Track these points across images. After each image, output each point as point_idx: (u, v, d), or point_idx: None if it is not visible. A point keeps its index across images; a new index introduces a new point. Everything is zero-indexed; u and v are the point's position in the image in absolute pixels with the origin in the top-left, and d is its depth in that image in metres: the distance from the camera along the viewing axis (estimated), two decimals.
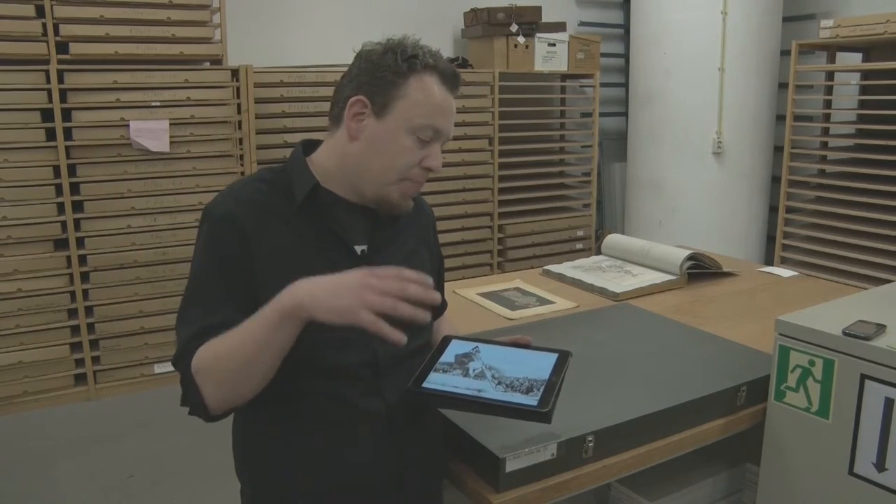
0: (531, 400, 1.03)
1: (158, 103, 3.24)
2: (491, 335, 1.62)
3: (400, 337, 0.93)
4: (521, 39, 4.20)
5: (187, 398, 1.04)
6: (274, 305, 0.97)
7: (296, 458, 1.11)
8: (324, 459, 1.10)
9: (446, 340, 1.21)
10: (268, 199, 1.12)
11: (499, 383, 1.08)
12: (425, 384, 1.08)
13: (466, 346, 1.18)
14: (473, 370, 1.11)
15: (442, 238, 4.19)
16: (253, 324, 0.99)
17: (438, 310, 1.38)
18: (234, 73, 3.40)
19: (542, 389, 1.06)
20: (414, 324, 0.97)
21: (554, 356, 1.15)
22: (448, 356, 1.15)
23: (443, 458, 1.21)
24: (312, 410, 1.09)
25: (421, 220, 1.31)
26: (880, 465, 1.18)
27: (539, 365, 1.12)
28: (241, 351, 0.99)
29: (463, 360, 1.14)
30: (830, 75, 3.84)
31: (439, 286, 1.33)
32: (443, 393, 1.06)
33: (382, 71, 1.10)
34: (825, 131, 4.02)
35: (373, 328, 0.93)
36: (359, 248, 1.15)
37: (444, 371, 1.11)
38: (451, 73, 1.13)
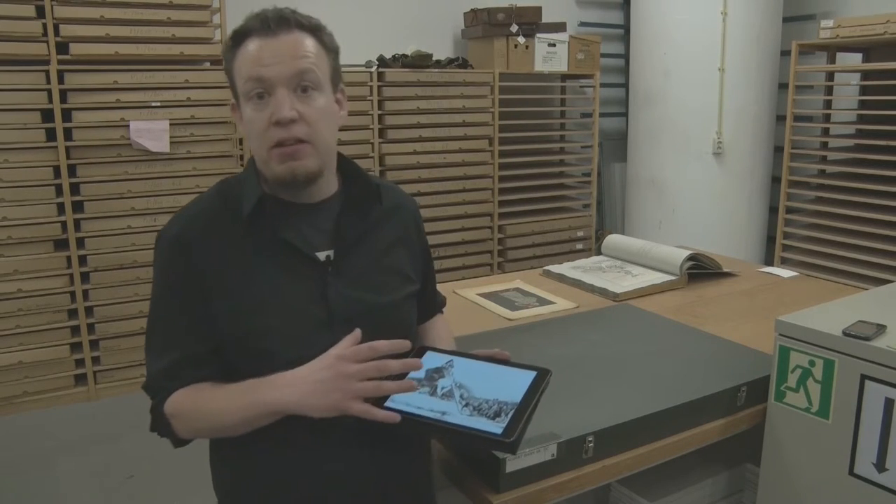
0: (496, 427, 0.95)
1: (158, 104, 3.24)
2: (489, 337, 1.63)
3: (394, 417, 0.94)
4: (521, 40, 4.20)
5: (158, 429, 1.07)
6: (261, 400, 0.97)
7: (269, 474, 1.07)
8: (297, 474, 1.06)
9: (422, 351, 1.13)
10: (220, 215, 1.07)
11: (466, 405, 0.99)
12: (388, 403, 0.99)
13: (440, 360, 1.10)
14: (442, 388, 1.03)
15: (442, 238, 4.16)
16: (237, 402, 0.99)
17: (434, 307, 1.33)
18: None
19: (510, 415, 0.96)
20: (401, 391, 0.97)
21: (531, 375, 1.05)
22: (419, 371, 1.05)
23: (429, 473, 1.18)
24: (283, 424, 1.01)
25: (399, 214, 1.22)
26: (880, 466, 1.18)
27: (513, 384, 1.03)
28: (221, 419, 1.01)
29: (433, 377, 1.05)
30: (830, 76, 3.84)
31: (428, 283, 1.29)
32: (405, 414, 0.96)
33: (224, 63, 1.08)
34: (825, 131, 4.03)
35: (364, 416, 0.94)
36: (323, 254, 1.08)
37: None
38: (263, 21, 1.03)
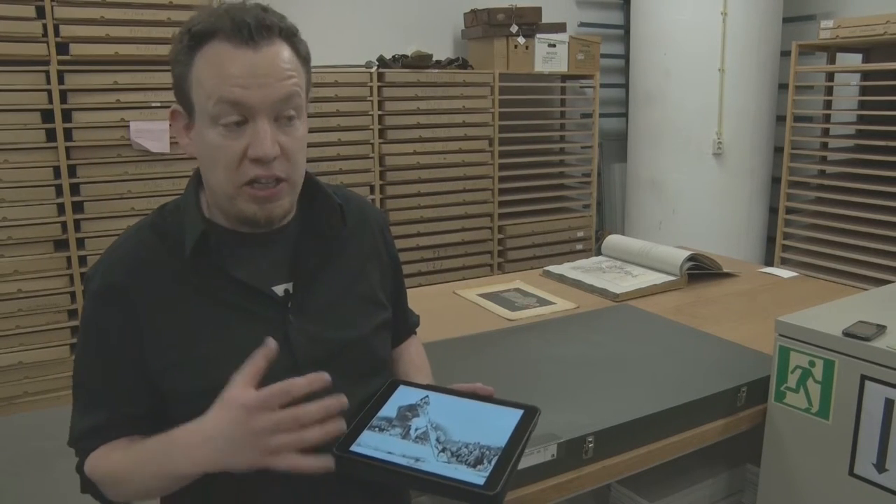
0: (477, 478, 0.83)
1: (159, 104, 3.24)
2: (489, 338, 1.62)
3: (327, 465, 0.81)
4: (521, 40, 4.20)
5: (88, 491, 0.96)
6: (174, 471, 0.84)
7: None
8: None
9: (393, 385, 1.01)
10: (154, 254, 0.92)
11: (443, 450, 0.87)
12: (354, 447, 0.88)
13: (414, 396, 0.98)
14: (416, 430, 0.91)
15: (442, 238, 4.16)
16: (148, 470, 0.86)
17: (407, 329, 1.20)
18: None
19: (493, 461, 0.85)
20: (329, 442, 0.82)
21: (518, 413, 0.94)
22: (389, 409, 0.95)
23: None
24: (250, 486, 0.90)
25: (365, 229, 1.07)
26: (880, 466, 1.18)
27: (497, 425, 0.91)
28: (138, 482, 0.88)
29: (406, 415, 0.94)
30: (830, 76, 3.84)
31: (399, 302, 1.16)
32: (373, 461, 0.86)
33: (174, 65, 0.88)
34: (825, 132, 4.03)
35: (298, 471, 0.80)
36: (281, 289, 0.94)
37: (381, 429, 0.92)
38: (235, 25, 0.84)
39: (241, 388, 0.81)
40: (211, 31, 0.85)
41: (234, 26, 0.84)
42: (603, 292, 1.98)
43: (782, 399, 1.32)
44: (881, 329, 1.22)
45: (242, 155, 0.86)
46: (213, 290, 0.91)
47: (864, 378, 1.19)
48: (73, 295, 3.22)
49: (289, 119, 0.89)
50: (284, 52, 0.88)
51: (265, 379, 0.83)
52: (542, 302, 1.93)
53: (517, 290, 2.06)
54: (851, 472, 1.22)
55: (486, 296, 1.99)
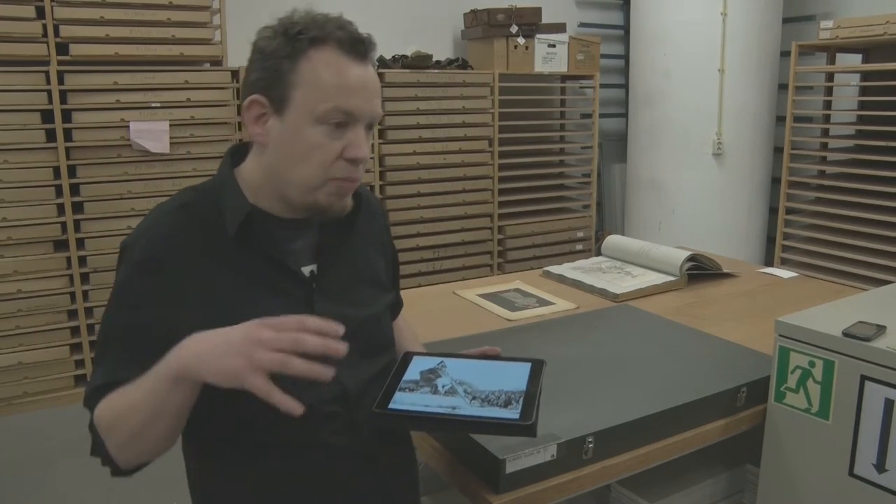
0: (512, 413, 0.94)
1: (158, 104, 3.25)
2: (489, 338, 1.62)
3: (294, 405, 0.80)
4: (520, 41, 4.20)
5: (96, 449, 0.97)
6: (164, 366, 0.86)
7: (248, 481, 1.00)
8: (279, 482, 0.99)
9: (407, 357, 1.10)
10: (192, 230, 0.98)
11: (473, 398, 0.98)
12: (392, 405, 0.97)
13: (431, 362, 1.08)
14: (443, 386, 1.01)
15: (442, 238, 4.18)
16: (147, 383, 0.88)
17: (398, 308, 1.29)
18: (234, 74, 3.40)
19: (521, 401, 0.97)
20: (313, 381, 0.82)
21: (527, 365, 1.06)
22: (412, 374, 1.05)
23: (417, 484, 1.16)
24: (280, 458, 0.98)
25: (373, 220, 1.17)
26: (880, 467, 1.18)
27: (513, 376, 1.03)
28: (138, 411, 0.89)
29: (429, 377, 1.04)
30: (830, 76, 3.84)
31: (395, 281, 1.25)
32: (413, 413, 0.95)
33: (272, 59, 0.94)
34: (825, 132, 4.03)
35: (262, 394, 0.80)
36: (307, 269, 1.03)
37: (411, 390, 1.01)
38: (352, 39, 0.95)
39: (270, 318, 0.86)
40: (323, 37, 0.94)
41: (351, 40, 0.95)
42: (603, 292, 1.99)
43: (782, 399, 1.32)
44: (881, 329, 1.22)
45: (338, 154, 0.96)
46: (247, 267, 0.98)
47: (863, 378, 1.19)
48: (72, 295, 3.22)
49: (369, 129, 1.00)
50: (375, 73, 1.01)
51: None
52: (542, 302, 1.93)
53: (517, 290, 2.06)
54: (851, 473, 1.22)
55: (485, 296, 1.99)
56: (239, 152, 1.05)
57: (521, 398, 0.98)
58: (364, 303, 1.09)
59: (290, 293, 1.00)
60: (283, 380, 0.82)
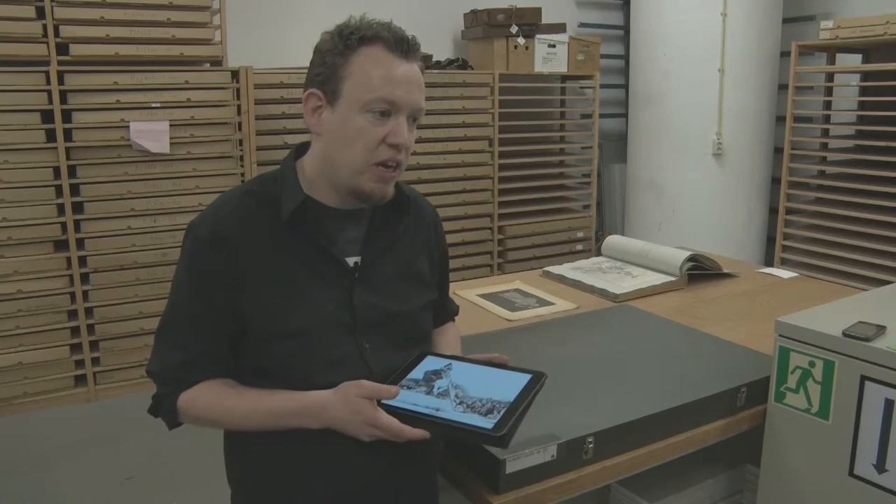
0: (487, 423, 0.98)
1: (158, 104, 3.24)
2: (489, 338, 1.63)
3: (423, 434, 0.98)
4: (521, 41, 4.20)
5: (160, 414, 1.12)
6: (294, 420, 1.04)
7: (287, 473, 1.10)
8: (316, 474, 1.09)
9: (421, 356, 1.17)
10: (255, 214, 1.09)
11: (460, 403, 1.03)
12: (384, 401, 1.03)
13: (439, 364, 1.14)
14: (438, 388, 1.07)
15: None
16: (260, 411, 1.05)
17: (445, 315, 1.36)
18: (235, 74, 3.40)
19: (502, 412, 1.00)
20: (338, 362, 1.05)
21: (526, 377, 1.09)
22: (417, 373, 1.12)
23: (435, 472, 1.20)
24: (304, 439, 1.07)
25: (423, 223, 1.25)
26: (880, 467, 1.18)
27: (507, 385, 1.07)
28: (237, 422, 1.07)
29: (431, 378, 1.10)
30: (830, 76, 3.84)
31: (442, 290, 1.30)
32: (397, 410, 1.01)
33: (327, 57, 1.07)
34: (825, 132, 4.03)
35: (398, 438, 0.99)
36: (352, 260, 1.11)
37: (409, 388, 1.07)
38: (397, 39, 1.07)
39: (362, 395, 1.01)
40: (374, 37, 1.05)
41: (397, 39, 1.06)
42: (603, 293, 1.99)
43: (782, 399, 1.32)
44: (881, 329, 1.22)
45: (381, 140, 1.05)
46: (298, 252, 1.08)
47: (863, 378, 1.19)
48: (72, 295, 3.22)
49: (413, 121, 1.11)
50: (419, 70, 1.11)
51: (329, 334, 1.07)
52: (542, 302, 1.93)
53: (517, 290, 2.06)
54: (851, 473, 1.22)
55: (485, 296, 1.99)
56: (302, 148, 1.16)
57: (504, 409, 1.01)
58: (402, 297, 1.16)
59: (333, 281, 1.09)
60: (318, 363, 1.05)
